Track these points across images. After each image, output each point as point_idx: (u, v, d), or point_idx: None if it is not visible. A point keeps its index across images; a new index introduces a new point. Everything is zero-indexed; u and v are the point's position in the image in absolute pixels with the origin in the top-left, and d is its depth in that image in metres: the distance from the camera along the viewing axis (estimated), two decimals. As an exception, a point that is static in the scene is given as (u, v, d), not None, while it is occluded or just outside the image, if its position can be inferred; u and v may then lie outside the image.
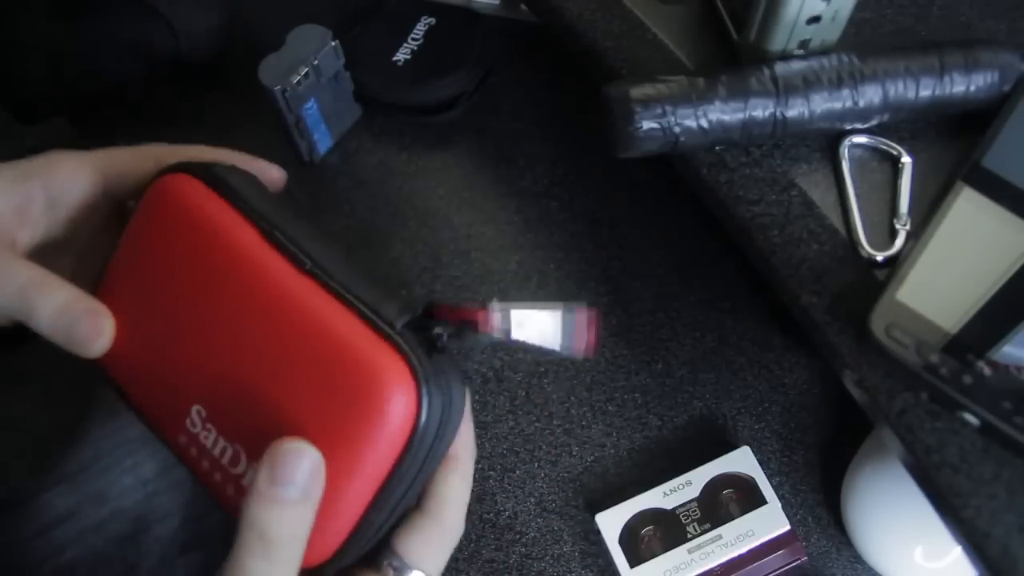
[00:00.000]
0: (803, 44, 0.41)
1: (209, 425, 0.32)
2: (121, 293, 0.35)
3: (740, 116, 0.40)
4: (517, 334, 0.30)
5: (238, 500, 0.30)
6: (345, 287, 0.31)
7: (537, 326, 0.30)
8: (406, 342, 0.29)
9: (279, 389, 0.30)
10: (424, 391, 0.29)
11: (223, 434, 0.32)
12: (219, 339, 0.32)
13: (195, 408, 0.33)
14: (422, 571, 0.32)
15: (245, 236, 0.32)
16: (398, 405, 0.29)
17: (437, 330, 0.31)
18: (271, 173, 0.38)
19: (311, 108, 0.60)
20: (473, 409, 0.37)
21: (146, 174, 0.36)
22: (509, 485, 0.57)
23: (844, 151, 0.42)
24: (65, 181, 0.36)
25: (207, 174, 0.34)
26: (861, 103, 0.40)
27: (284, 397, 0.30)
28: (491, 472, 0.58)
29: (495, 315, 0.30)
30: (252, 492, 0.28)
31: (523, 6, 0.61)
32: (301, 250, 0.31)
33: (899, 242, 0.39)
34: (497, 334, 0.30)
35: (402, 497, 0.31)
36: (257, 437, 0.30)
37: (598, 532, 0.53)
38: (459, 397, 0.31)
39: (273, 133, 0.62)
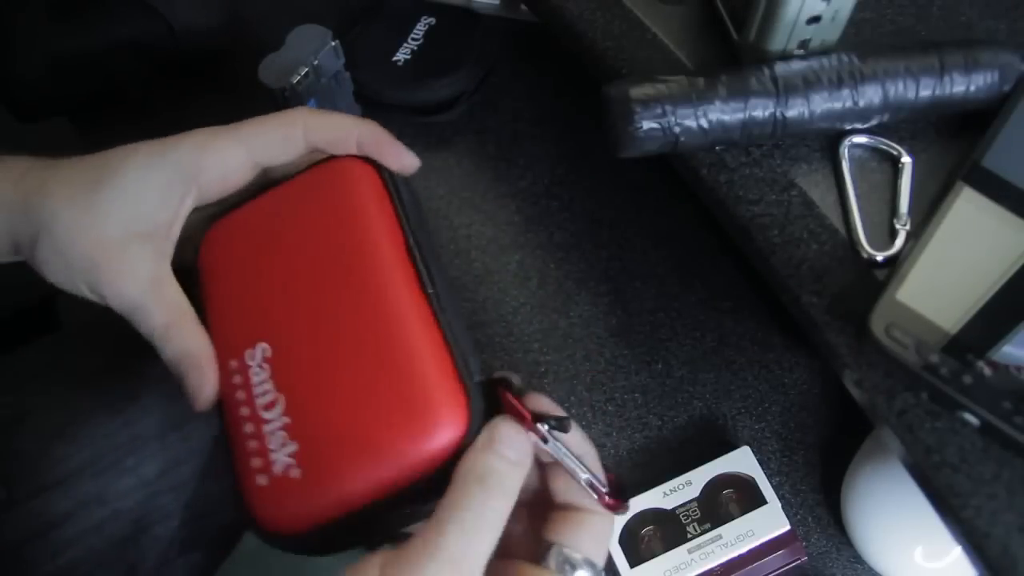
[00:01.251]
0: (803, 44, 0.41)
1: (265, 365, 0.35)
2: (251, 220, 0.39)
3: (740, 116, 0.40)
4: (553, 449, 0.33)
5: (251, 439, 0.33)
6: (450, 326, 0.34)
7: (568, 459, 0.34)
8: (476, 397, 0.32)
9: (350, 374, 0.33)
10: (465, 440, 0.31)
11: (274, 378, 0.34)
12: (318, 304, 0.35)
13: (262, 345, 0.35)
14: (592, 560, 0.34)
15: (392, 237, 0.36)
16: (440, 441, 0.31)
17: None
18: (410, 159, 0.40)
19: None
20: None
21: (296, 153, 0.39)
22: (509, 485, 0.57)
23: (844, 151, 0.42)
24: (216, 172, 0.38)
25: (384, 171, 0.38)
26: (861, 103, 0.40)
27: (351, 383, 0.33)
28: (491, 472, 0.57)
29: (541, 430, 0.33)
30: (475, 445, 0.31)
31: (523, 6, 0.61)
32: (430, 275, 0.35)
33: (899, 242, 0.39)
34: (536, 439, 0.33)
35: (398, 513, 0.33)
36: (303, 399, 0.33)
37: (598, 532, 0.53)
38: None
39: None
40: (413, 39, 0.66)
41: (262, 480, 0.33)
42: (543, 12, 0.52)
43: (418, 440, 0.31)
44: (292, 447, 0.33)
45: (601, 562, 0.34)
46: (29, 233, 0.36)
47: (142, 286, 0.36)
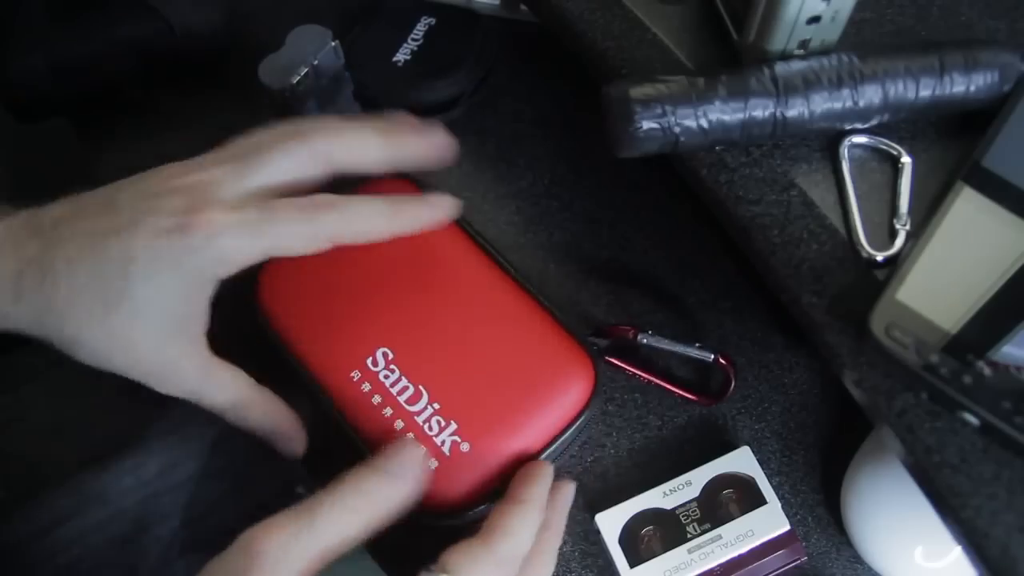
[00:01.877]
0: (803, 44, 0.41)
1: (393, 366, 0.39)
2: (310, 258, 0.41)
3: (740, 116, 0.40)
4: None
5: (406, 432, 0.38)
6: (541, 294, 0.42)
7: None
8: (589, 347, 0.40)
9: (482, 351, 0.39)
10: (597, 385, 0.40)
11: (407, 374, 0.39)
12: (424, 303, 0.40)
13: (381, 350, 0.39)
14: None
15: (462, 238, 0.43)
16: (587, 387, 0.39)
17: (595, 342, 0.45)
18: (442, 145, 0.45)
19: (311, 108, 0.60)
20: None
21: (313, 249, 0.38)
22: (509, 485, 0.57)
23: (844, 151, 0.42)
24: (235, 268, 0.38)
25: (421, 184, 0.45)
26: (861, 103, 0.40)
27: (488, 358, 0.38)
28: (491, 472, 0.57)
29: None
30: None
31: (523, 6, 0.61)
32: (507, 261, 0.43)
33: (899, 242, 0.39)
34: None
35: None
36: (444, 384, 0.38)
37: (598, 532, 0.53)
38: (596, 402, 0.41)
39: (273, 133, 0.62)
40: (413, 39, 0.66)
41: (432, 463, 0.37)
42: (543, 12, 0.52)
43: (573, 389, 0.38)
44: (453, 426, 0.37)
45: None
46: (60, 345, 0.37)
47: (192, 380, 0.38)
